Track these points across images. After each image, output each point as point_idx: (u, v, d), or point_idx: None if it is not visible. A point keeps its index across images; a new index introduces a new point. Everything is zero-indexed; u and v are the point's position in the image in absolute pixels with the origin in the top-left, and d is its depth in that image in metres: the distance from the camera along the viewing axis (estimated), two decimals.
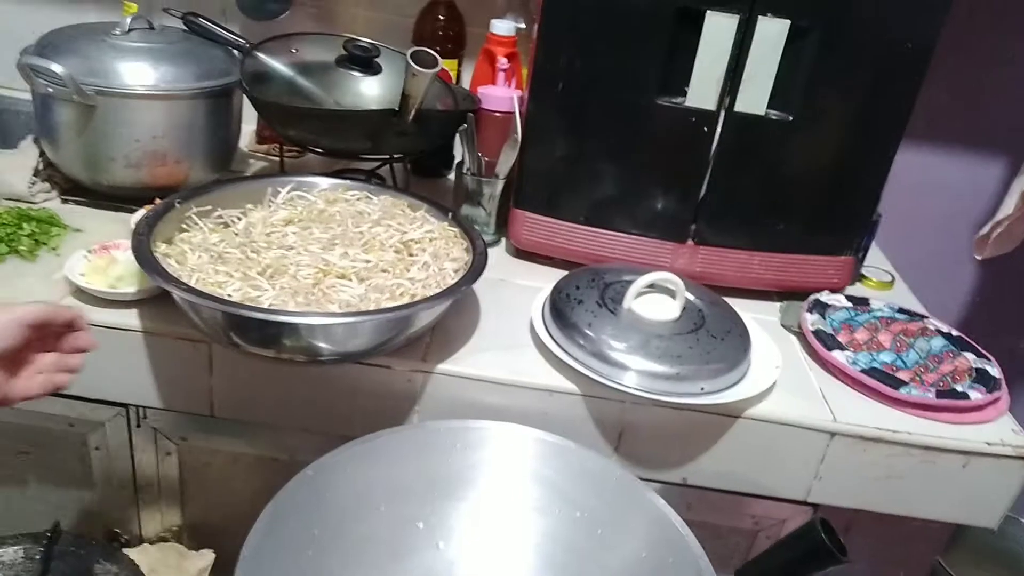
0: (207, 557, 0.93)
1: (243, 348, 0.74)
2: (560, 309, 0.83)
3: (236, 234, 0.81)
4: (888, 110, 0.92)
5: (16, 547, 0.76)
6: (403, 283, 0.78)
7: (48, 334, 0.62)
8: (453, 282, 0.78)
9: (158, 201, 0.95)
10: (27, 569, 0.76)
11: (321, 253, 0.79)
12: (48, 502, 0.95)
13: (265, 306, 0.71)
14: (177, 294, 0.70)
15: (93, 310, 0.80)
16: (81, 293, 0.81)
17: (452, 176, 1.24)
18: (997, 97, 1.25)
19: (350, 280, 0.77)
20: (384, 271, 0.80)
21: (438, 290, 0.77)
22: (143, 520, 0.95)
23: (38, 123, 0.98)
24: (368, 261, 0.80)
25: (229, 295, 0.72)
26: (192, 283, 0.72)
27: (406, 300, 0.76)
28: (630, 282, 0.84)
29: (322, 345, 0.73)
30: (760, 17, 0.86)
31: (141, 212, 0.94)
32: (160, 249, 0.76)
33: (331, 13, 1.25)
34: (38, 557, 0.75)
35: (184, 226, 0.82)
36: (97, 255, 0.86)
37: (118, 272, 0.82)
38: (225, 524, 0.95)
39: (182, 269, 0.75)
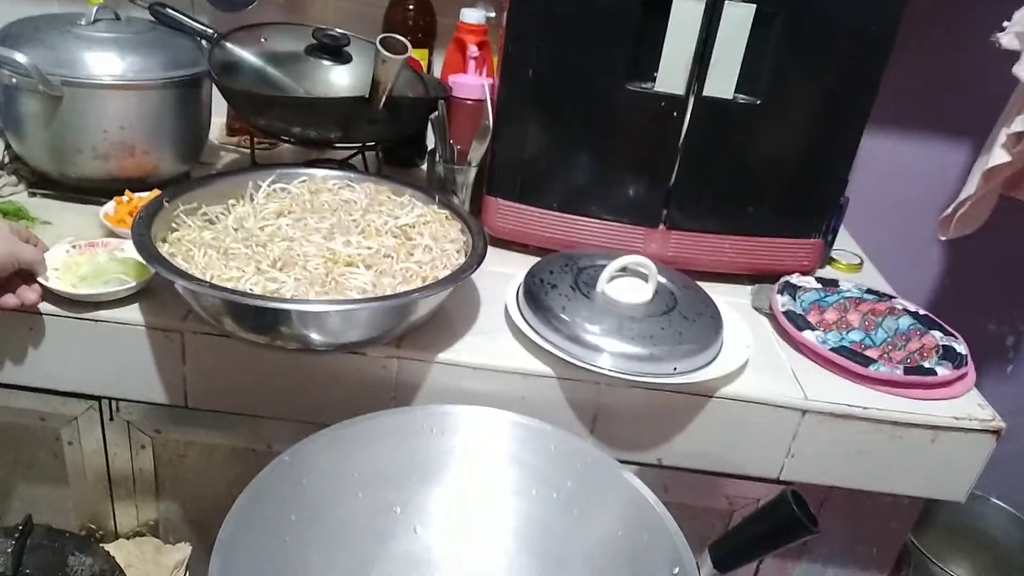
0: (184, 550, 0.92)
1: (252, 339, 0.75)
2: (534, 293, 0.84)
3: (236, 229, 0.81)
4: (853, 94, 0.93)
5: None
6: (410, 267, 0.79)
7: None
8: (460, 262, 0.80)
9: (128, 193, 0.94)
10: None
11: (325, 243, 0.79)
12: (21, 498, 0.94)
13: (288, 297, 0.72)
14: (207, 292, 0.70)
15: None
16: (49, 294, 0.79)
17: (424, 166, 1.24)
18: (962, 81, 1.28)
19: (357, 267, 0.77)
20: (387, 256, 0.80)
21: (448, 271, 0.78)
22: (118, 515, 0.95)
23: (2, 115, 0.96)
24: (370, 248, 0.80)
25: (251, 289, 0.72)
26: (208, 279, 0.72)
27: (418, 283, 0.77)
28: (603, 266, 0.85)
29: (341, 332, 0.75)
30: (726, 2, 0.87)
31: (111, 204, 0.93)
32: (163, 249, 0.76)
33: (301, 3, 1.24)
34: (10, 551, 0.74)
35: (174, 224, 0.82)
36: (80, 251, 0.84)
37: (82, 272, 0.81)
38: (201, 517, 0.95)
39: (192, 266, 0.75)
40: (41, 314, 0.78)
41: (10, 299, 0.75)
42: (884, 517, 0.93)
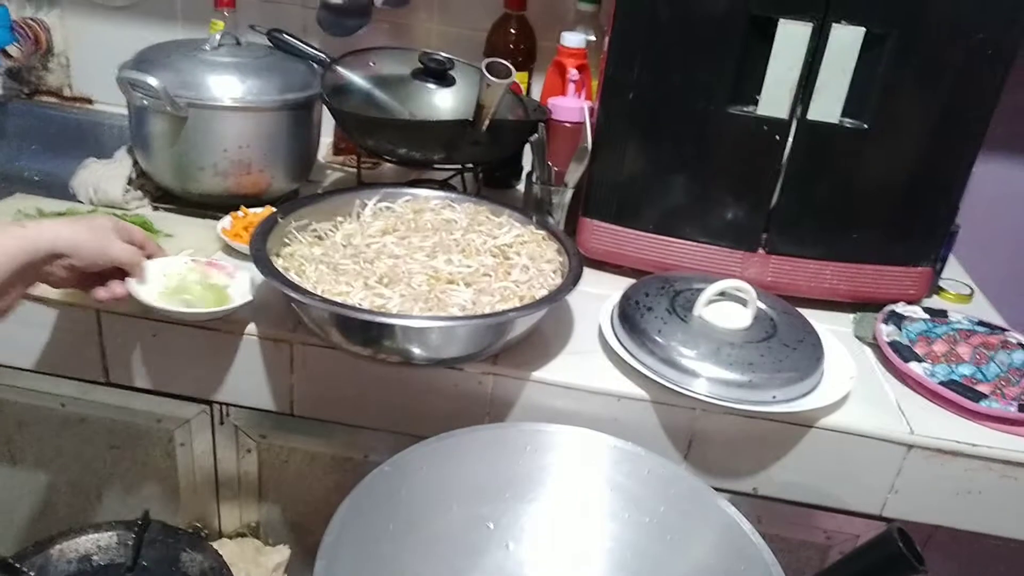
0: (283, 553, 0.96)
1: (357, 351, 0.78)
2: (629, 315, 0.84)
3: (344, 245, 0.84)
4: (968, 115, 0.90)
5: (111, 533, 0.80)
6: (508, 285, 0.81)
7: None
8: (557, 282, 0.82)
9: (243, 209, 1.00)
10: (120, 554, 0.80)
11: (428, 260, 0.82)
12: (136, 494, 1.00)
13: (394, 312, 0.75)
14: (319, 307, 0.73)
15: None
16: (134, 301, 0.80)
17: (521, 187, 1.26)
18: None
19: (458, 285, 0.80)
20: (486, 275, 0.82)
21: (545, 291, 0.80)
22: (223, 514, 0.99)
23: (133, 134, 1.03)
24: (470, 267, 0.82)
25: (359, 303, 0.75)
26: (319, 294, 0.75)
27: (516, 302, 0.79)
28: (700, 290, 0.84)
29: (442, 347, 0.78)
30: (834, 24, 0.85)
31: (227, 219, 0.98)
32: (278, 263, 0.80)
33: (406, 28, 1.29)
34: (130, 543, 0.79)
35: (286, 240, 0.86)
36: (197, 265, 0.86)
37: (172, 285, 0.83)
38: (300, 521, 0.98)
39: (304, 280, 0.79)
40: (161, 321, 0.83)
41: (101, 291, 0.77)
42: (992, 559, 0.88)
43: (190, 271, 0.85)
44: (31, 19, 1.34)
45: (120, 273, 0.78)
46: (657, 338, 0.80)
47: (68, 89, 1.41)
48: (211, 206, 1.03)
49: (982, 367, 0.86)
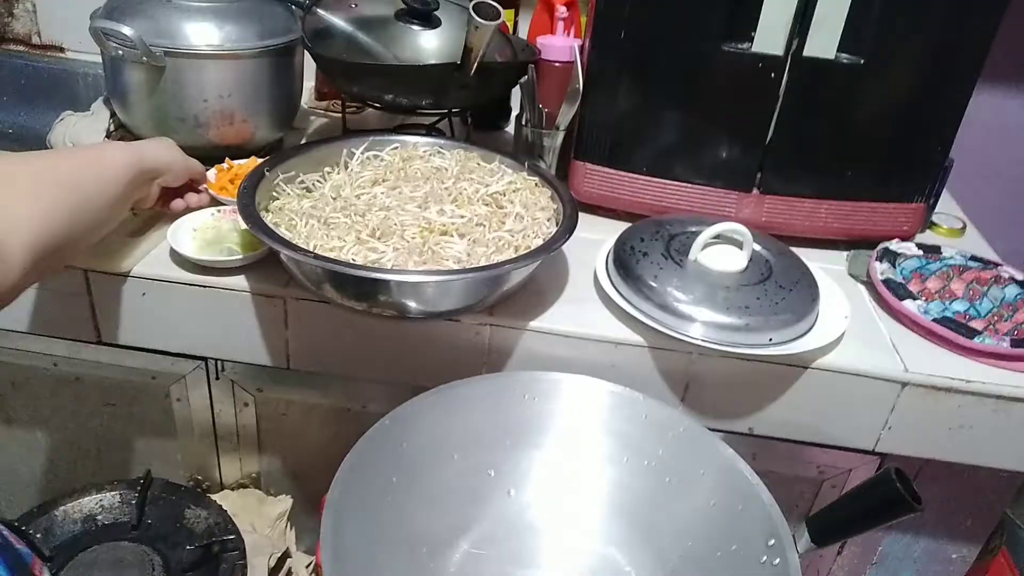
0: (285, 502, 0.97)
1: (351, 306, 0.78)
2: (625, 261, 0.84)
3: (334, 198, 0.83)
4: (965, 48, 0.88)
5: (113, 492, 0.81)
6: (503, 235, 0.79)
7: None
8: (551, 231, 0.80)
9: (228, 161, 0.97)
10: (124, 513, 0.80)
11: (420, 212, 0.81)
12: (135, 451, 1.00)
13: (389, 267, 0.74)
14: (314, 263, 0.72)
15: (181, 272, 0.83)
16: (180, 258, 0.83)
17: (510, 128, 1.24)
18: None
19: (452, 236, 0.79)
20: (480, 225, 0.81)
21: (540, 240, 0.79)
22: (223, 467, 1.00)
23: (109, 85, 1.00)
24: (463, 216, 0.81)
25: (353, 258, 0.74)
26: (312, 249, 0.74)
27: (511, 252, 0.78)
28: (695, 233, 0.84)
29: (438, 300, 0.77)
30: None
31: (212, 172, 0.96)
32: (267, 218, 0.78)
33: None
34: (133, 502, 0.79)
35: (274, 194, 0.84)
36: (223, 216, 0.88)
37: (208, 237, 0.85)
38: (301, 471, 0.99)
39: (295, 236, 0.77)
40: (154, 280, 0.82)
41: (179, 203, 0.84)
42: (981, 490, 0.91)
43: (220, 221, 0.87)
44: None
45: (181, 191, 0.84)
46: (653, 284, 0.80)
47: (37, 37, 1.36)
48: (194, 158, 1.00)
49: (975, 303, 0.87)
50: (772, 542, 0.63)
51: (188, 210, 0.85)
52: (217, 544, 0.80)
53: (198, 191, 0.86)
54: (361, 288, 0.74)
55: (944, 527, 0.94)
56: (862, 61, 0.88)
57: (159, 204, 0.82)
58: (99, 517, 0.79)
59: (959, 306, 0.86)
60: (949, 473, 0.87)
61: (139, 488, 0.80)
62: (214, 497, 0.92)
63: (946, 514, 0.93)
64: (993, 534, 1.01)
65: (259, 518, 0.95)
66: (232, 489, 1.01)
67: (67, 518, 0.78)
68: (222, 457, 0.99)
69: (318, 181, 0.87)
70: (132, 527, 0.79)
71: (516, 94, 1.05)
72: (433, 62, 1.07)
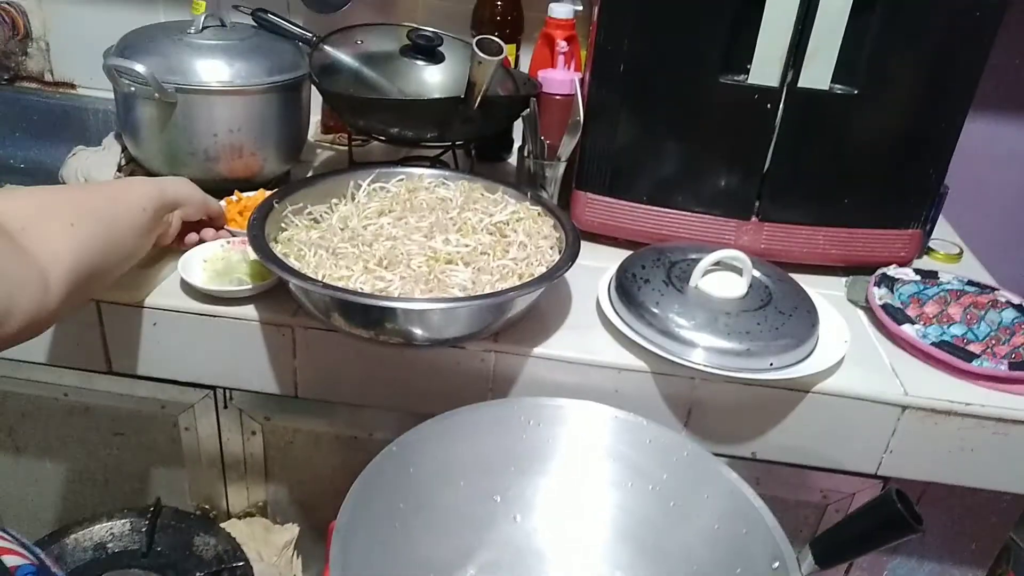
0: (292, 531, 0.98)
1: (358, 334, 0.79)
2: (627, 288, 0.85)
3: (341, 228, 0.84)
4: (956, 78, 0.90)
5: (123, 520, 0.82)
6: (507, 263, 0.81)
7: None
8: (554, 258, 0.82)
9: (237, 193, 0.99)
10: (134, 541, 0.81)
11: (426, 241, 0.82)
12: (143, 480, 1.01)
13: (396, 295, 0.75)
14: (323, 292, 0.73)
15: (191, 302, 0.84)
16: (191, 288, 0.84)
17: (512, 160, 1.26)
18: None
19: (457, 265, 0.80)
20: (484, 254, 0.83)
21: (543, 267, 0.81)
22: (230, 496, 1.01)
23: (121, 120, 1.02)
24: (467, 245, 0.83)
25: (360, 287, 0.76)
26: (320, 278, 0.75)
27: (515, 280, 0.79)
28: (695, 260, 0.85)
29: (443, 328, 0.79)
30: None
31: (221, 203, 0.98)
32: (276, 249, 0.80)
33: (391, 2, 1.27)
34: (143, 530, 0.80)
35: (283, 225, 0.86)
36: (232, 247, 0.89)
37: (217, 268, 0.86)
38: (308, 499, 1.00)
39: (304, 266, 0.79)
40: (165, 310, 0.84)
41: (193, 236, 0.88)
42: (984, 513, 0.91)
43: (229, 252, 0.88)
44: (7, 3, 1.32)
45: (197, 227, 0.88)
46: (655, 310, 0.81)
47: (49, 74, 1.39)
48: (204, 191, 1.02)
49: (973, 327, 0.88)
50: (776, 565, 0.63)
51: (198, 243, 0.88)
52: (226, 571, 0.81)
53: (216, 227, 0.90)
54: (368, 316, 0.76)
55: (948, 551, 0.94)
56: (855, 92, 0.90)
57: (177, 242, 0.86)
58: (110, 545, 0.80)
59: (957, 330, 0.87)
60: (952, 497, 0.88)
61: (149, 516, 0.81)
62: (222, 525, 0.92)
63: (950, 537, 0.93)
64: (999, 559, 1.01)
65: (266, 546, 0.95)
66: (239, 517, 1.01)
67: (78, 546, 0.79)
68: (229, 485, 1.00)
69: (326, 212, 0.89)
70: (142, 555, 0.79)
71: (518, 126, 1.07)
72: (437, 96, 1.09)
